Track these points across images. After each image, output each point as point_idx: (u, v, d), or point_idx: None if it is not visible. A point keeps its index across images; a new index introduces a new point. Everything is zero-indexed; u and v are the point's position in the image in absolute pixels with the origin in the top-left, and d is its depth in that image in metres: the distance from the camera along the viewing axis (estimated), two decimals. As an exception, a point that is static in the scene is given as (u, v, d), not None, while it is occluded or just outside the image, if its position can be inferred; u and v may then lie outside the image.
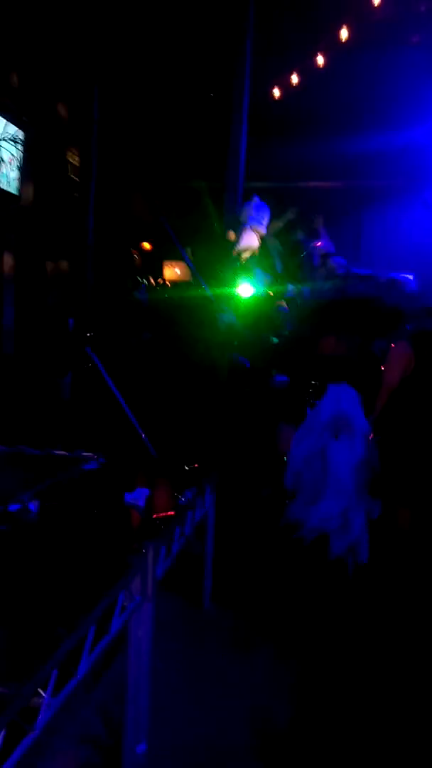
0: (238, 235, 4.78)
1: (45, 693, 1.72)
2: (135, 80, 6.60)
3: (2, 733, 1.49)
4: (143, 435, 5.63)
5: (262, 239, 4.98)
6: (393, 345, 4.79)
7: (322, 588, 4.25)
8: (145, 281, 8.13)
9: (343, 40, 6.16)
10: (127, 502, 3.09)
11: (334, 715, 3.05)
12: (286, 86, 7.05)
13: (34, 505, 2.82)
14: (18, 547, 2.48)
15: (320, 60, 6.53)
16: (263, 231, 4.94)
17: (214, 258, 5.12)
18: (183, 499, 3.37)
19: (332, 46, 6.38)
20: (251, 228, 4.76)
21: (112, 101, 6.13)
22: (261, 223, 4.87)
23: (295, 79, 6.96)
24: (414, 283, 8.59)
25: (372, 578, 4.35)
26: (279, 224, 8.21)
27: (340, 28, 6.13)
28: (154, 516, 3.03)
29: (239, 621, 3.89)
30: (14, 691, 1.58)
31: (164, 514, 3.07)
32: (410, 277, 8.66)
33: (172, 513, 3.12)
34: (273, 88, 7.05)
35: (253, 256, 4.99)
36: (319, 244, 6.98)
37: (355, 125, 7.36)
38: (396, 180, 8.44)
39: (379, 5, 5.63)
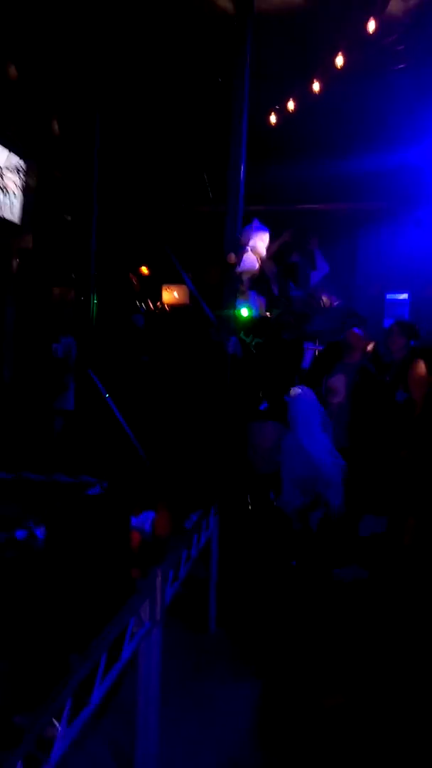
0: (239, 257, 4.82)
1: (59, 723, 1.69)
2: (135, 108, 6.70)
3: (19, 766, 1.46)
4: (144, 456, 5.65)
5: (262, 262, 5.05)
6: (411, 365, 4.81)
7: (326, 608, 4.23)
8: (144, 305, 8.20)
9: (338, 67, 6.28)
10: (133, 525, 3.08)
11: (339, 740, 3.02)
12: (282, 112, 7.17)
13: (40, 532, 2.80)
14: (26, 573, 2.46)
15: (315, 86, 6.65)
16: (263, 253, 5.00)
17: (215, 281, 5.18)
18: (188, 522, 3.36)
19: (326, 72, 6.49)
20: (251, 250, 4.82)
21: (113, 129, 6.23)
22: (261, 246, 4.93)
23: (291, 105, 7.08)
24: (407, 302, 8.69)
25: (377, 593, 4.35)
26: (275, 247, 8.31)
27: (334, 54, 6.25)
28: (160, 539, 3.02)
29: (246, 646, 3.85)
30: (29, 721, 1.56)
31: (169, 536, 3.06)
32: (405, 296, 8.75)
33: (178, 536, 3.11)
34: (270, 114, 7.17)
35: (252, 278, 5.04)
36: None
37: (349, 149, 7.47)
38: (389, 201, 8.55)
39: (374, 32, 5.75)
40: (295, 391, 4.78)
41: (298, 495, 4.76)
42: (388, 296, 8.80)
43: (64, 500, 3.35)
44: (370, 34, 5.72)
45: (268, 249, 5.79)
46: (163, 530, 3.11)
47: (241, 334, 4.94)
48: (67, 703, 1.73)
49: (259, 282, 5.49)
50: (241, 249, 4.88)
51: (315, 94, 6.67)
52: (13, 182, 6.19)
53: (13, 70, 6.07)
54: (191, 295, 8.04)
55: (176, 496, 3.74)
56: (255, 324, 5.18)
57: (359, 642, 3.85)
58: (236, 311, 5.05)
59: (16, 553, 2.60)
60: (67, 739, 1.74)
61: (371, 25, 5.78)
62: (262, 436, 4.88)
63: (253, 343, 4.90)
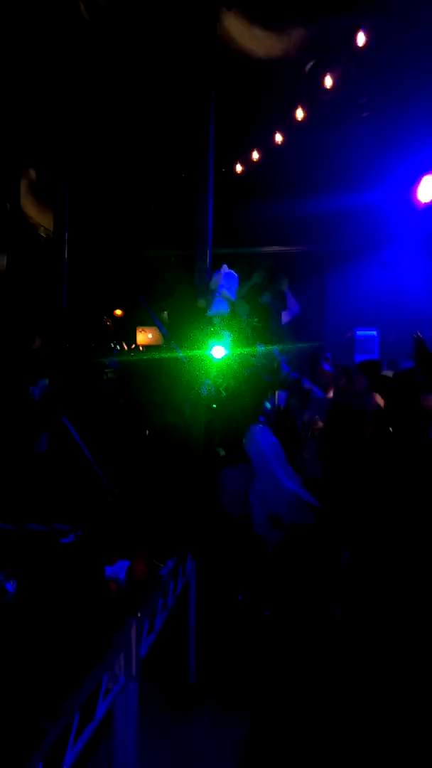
0: (209, 302, 4.92)
1: (30, 790, 1.64)
2: (105, 156, 6.86)
3: None
4: (119, 502, 5.57)
5: (232, 304, 5.14)
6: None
7: (306, 653, 4.18)
8: (118, 347, 8.23)
9: (299, 118, 6.58)
10: (107, 575, 3.02)
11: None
12: (248, 160, 7.44)
13: (11, 585, 2.74)
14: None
15: (278, 136, 6.94)
16: (233, 297, 5.10)
17: (186, 322, 5.24)
18: (164, 569, 3.30)
19: (290, 123, 6.79)
20: (221, 295, 4.92)
21: (83, 175, 6.35)
22: (230, 290, 5.03)
23: (255, 155, 7.35)
24: (376, 338, 8.86)
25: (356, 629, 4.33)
26: (246, 288, 8.42)
27: (296, 106, 6.56)
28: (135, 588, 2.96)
29: (227, 698, 3.76)
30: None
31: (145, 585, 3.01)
32: (374, 333, 8.93)
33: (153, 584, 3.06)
34: (236, 162, 7.43)
35: (223, 320, 5.12)
36: None
37: (315, 193, 7.73)
38: (355, 242, 8.81)
39: (332, 87, 6.05)
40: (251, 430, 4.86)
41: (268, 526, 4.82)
42: (358, 333, 8.97)
43: (36, 551, 3.28)
44: (331, 88, 6.01)
45: (239, 291, 5.91)
46: (139, 579, 3.05)
47: (213, 377, 4.99)
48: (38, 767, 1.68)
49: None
50: (211, 294, 4.97)
51: (281, 143, 6.95)
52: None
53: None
54: (165, 339, 8.11)
55: (152, 543, 3.69)
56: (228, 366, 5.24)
57: (343, 690, 3.79)
58: (208, 355, 5.11)
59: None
60: (38, 806, 1.68)
61: (331, 80, 6.07)
62: (232, 479, 4.89)
63: (224, 387, 4.94)
